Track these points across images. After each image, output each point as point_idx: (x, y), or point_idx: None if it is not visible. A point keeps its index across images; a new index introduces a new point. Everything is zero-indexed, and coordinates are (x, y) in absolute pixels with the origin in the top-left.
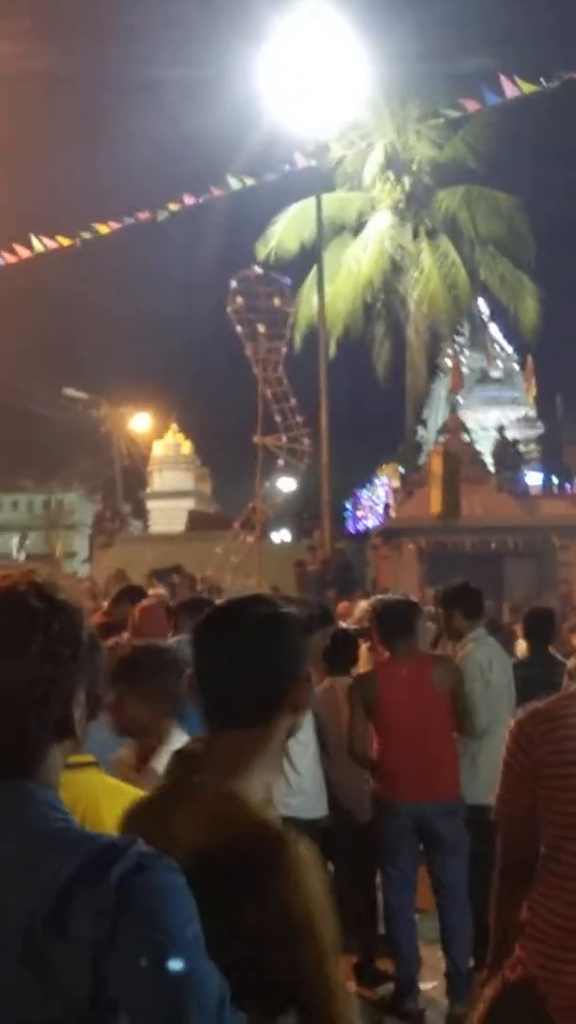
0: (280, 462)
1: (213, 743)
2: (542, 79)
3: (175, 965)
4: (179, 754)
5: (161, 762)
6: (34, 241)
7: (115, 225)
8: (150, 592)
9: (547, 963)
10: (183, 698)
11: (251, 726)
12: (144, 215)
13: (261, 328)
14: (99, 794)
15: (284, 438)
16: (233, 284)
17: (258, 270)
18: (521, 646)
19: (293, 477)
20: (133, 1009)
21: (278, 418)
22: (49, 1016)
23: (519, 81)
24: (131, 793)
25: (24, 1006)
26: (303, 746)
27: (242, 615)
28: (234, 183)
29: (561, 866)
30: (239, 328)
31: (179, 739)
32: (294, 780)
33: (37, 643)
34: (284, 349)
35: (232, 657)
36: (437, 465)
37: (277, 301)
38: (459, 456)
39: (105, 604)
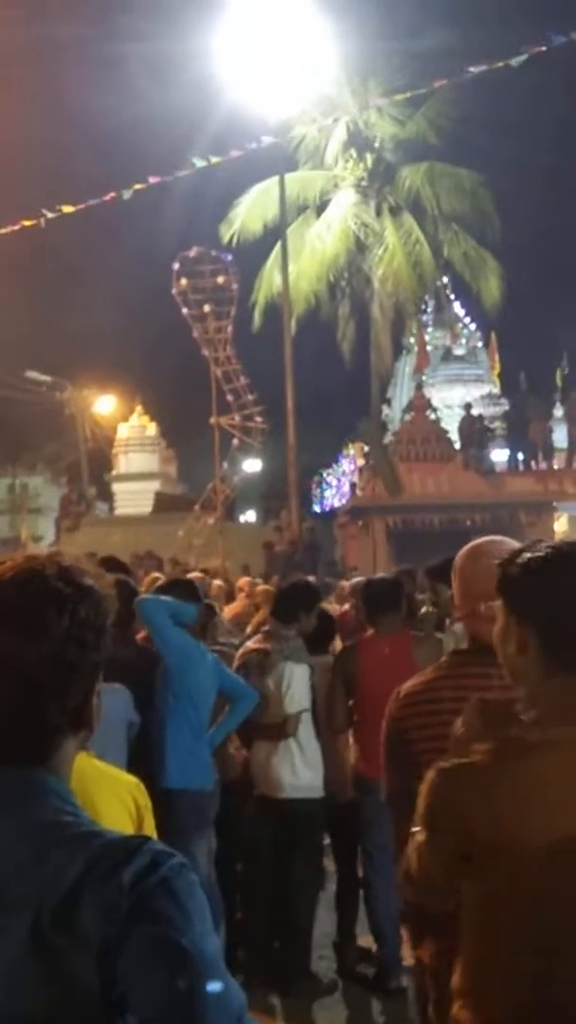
0: (235, 442)
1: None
2: (506, 56)
3: (191, 972)
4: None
5: None
6: None
7: (79, 205)
8: (151, 575)
9: None
10: None
11: None
12: (109, 196)
13: (207, 308)
14: (91, 780)
15: (237, 417)
16: (176, 266)
17: (198, 250)
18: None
19: (259, 458)
20: (147, 1012)
21: (230, 398)
22: (57, 1012)
23: (485, 59)
24: (124, 779)
25: (32, 1001)
26: (306, 723)
27: None
28: (199, 162)
29: None
30: (185, 310)
31: None
32: (305, 758)
33: (61, 627)
34: (230, 328)
35: None
36: (364, 457)
37: (221, 280)
38: (416, 433)
39: None
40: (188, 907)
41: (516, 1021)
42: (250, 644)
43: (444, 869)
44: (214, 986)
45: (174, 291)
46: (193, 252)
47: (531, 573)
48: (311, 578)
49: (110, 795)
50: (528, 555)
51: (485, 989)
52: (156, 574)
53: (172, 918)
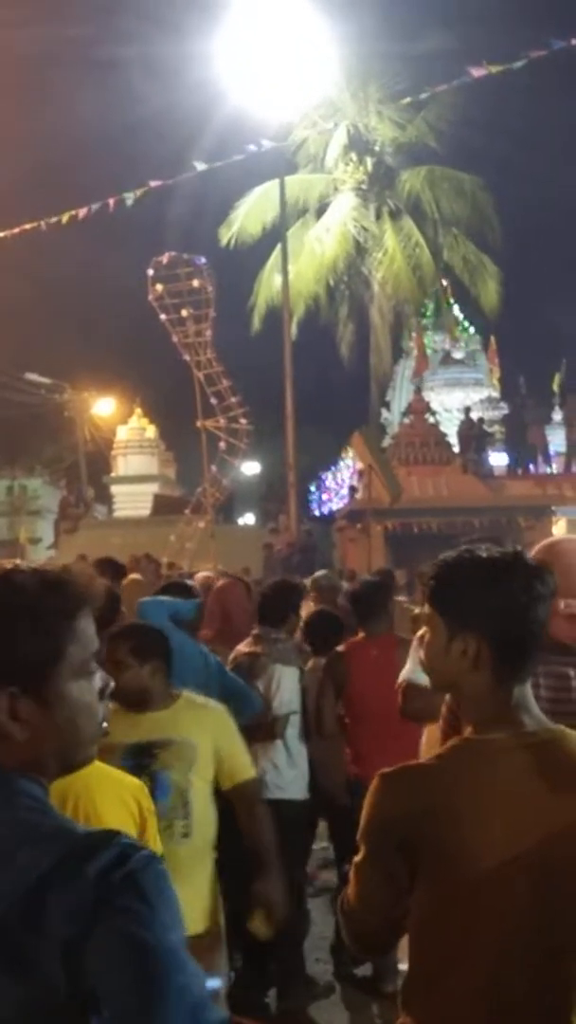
0: (222, 444)
1: (521, 692)
2: (506, 60)
3: (153, 965)
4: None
5: None
6: None
7: (81, 209)
8: (132, 576)
9: None
10: None
11: None
12: (111, 200)
13: (184, 313)
14: (94, 782)
15: (222, 420)
16: (150, 272)
17: (170, 255)
18: None
19: (251, 460)
20: (111, 1005)
21: (214, 400)
22: (26, 1010)
23: (485, 63)
24: (127, 781)
25: (1, 1000)
26: (293, 725)
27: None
28: (199, 166)
29: None
30: (162, 316)
31: None
32: (291, 759)
33: (23, 625)
34: (209, 332)
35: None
36: (363, 455)
37: (196, 282)
38: (415, 437)
39: None
40: (153, 900)
41: None
42: (241, 648)
43: (387, 887)
44: (175, 978)
45: (150, 297)
46: (165, 258)
47: (475, 584)
48: (307, 580)
49: (113, 798)
50: (465, 566)
51: (428, 1001)
52: (134, 575)
53: (136, 912)
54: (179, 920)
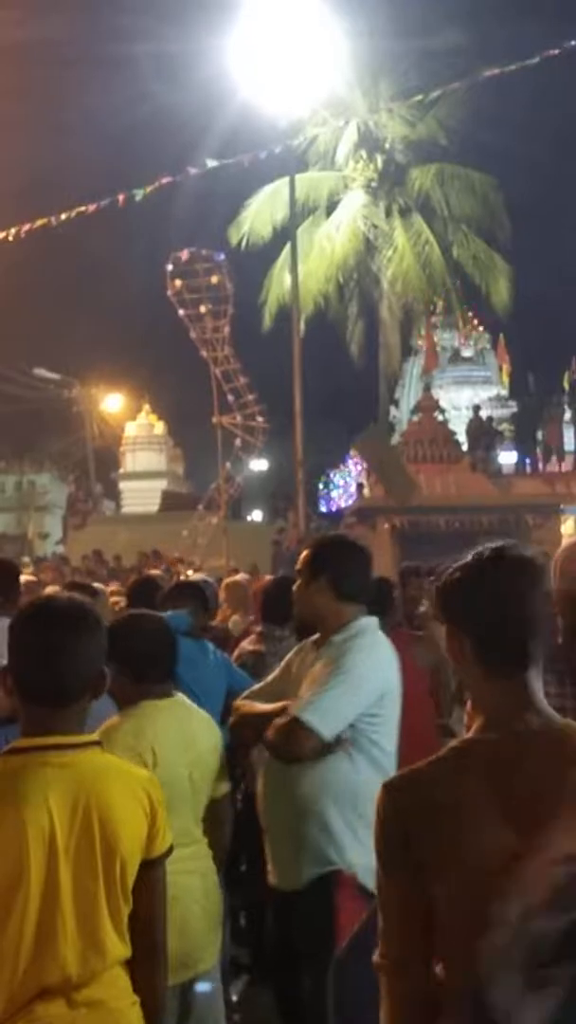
0: (237, 441)
1: (520, 688)
2: (517, 58)
3: None
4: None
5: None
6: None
7: (91, 205)
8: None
9: None
10: None
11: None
12: (121, 196)
13: (203, 309)
14: (104, 776)
15: (239, 417)
16: (169, 268)
17: (189, 251)
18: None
19: (265, 457)
20: None
21: (230, 397)
22: None
23: (497, 61)
24: (137, 773)
25: None
26: None
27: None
28: (211, 163)
29: None
30: (181, 311)
31: None
32: None
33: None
34: (227, 328)
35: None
36: (372, 461)
37: (215, 279)
38: (423, 435)
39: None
40: None
41: None
42: (245, 645)
43: (402, 902)
44: None
45: (169, 293)
46: (184, 254)
47: (456, 584)
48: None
49: (124, 790)
50: (454, 568)
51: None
52: (155, 571)
53: None
54: None
